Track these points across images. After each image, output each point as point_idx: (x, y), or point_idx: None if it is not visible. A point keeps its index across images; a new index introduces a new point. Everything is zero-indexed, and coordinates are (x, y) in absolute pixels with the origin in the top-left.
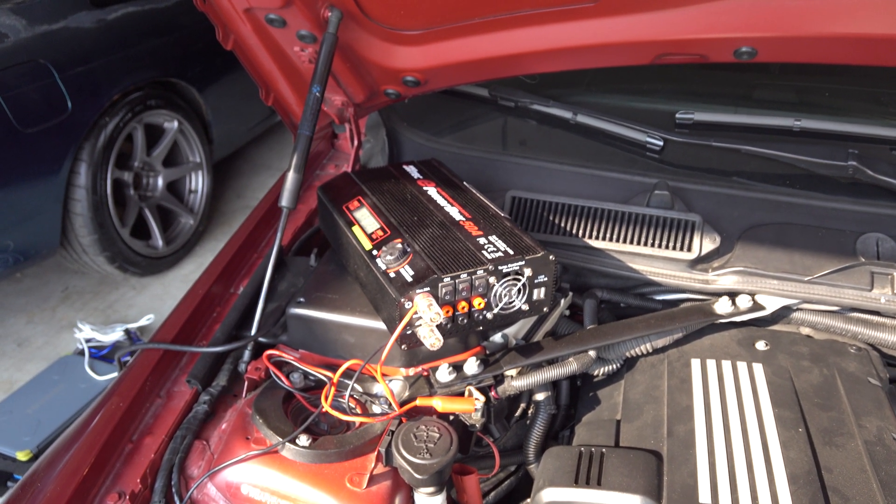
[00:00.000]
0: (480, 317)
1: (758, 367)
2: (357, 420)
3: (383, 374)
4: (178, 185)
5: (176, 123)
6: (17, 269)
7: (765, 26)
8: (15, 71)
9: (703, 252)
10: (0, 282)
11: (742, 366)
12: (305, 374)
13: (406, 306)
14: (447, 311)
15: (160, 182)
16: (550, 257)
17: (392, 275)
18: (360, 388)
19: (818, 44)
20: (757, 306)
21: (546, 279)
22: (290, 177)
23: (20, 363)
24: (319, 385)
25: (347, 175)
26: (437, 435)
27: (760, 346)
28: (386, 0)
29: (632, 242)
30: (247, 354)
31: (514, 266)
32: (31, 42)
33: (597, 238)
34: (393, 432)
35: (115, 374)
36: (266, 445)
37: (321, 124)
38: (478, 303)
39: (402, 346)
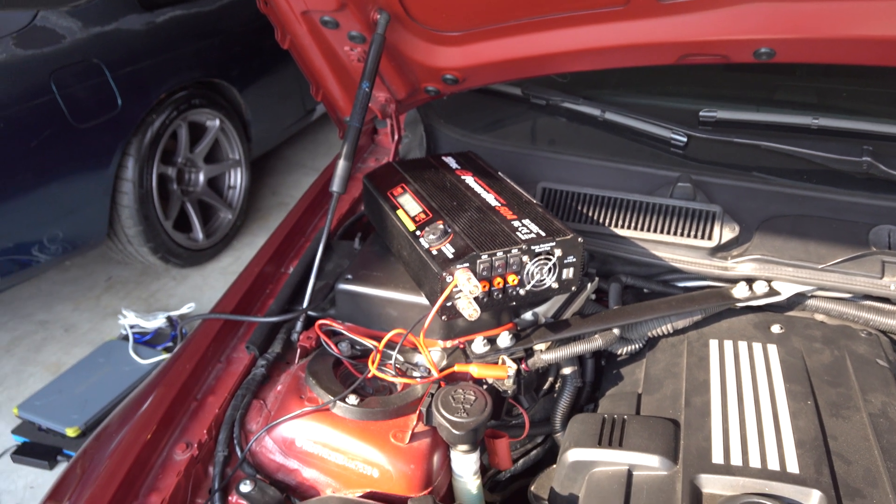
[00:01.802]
0: (514, 292)
1: (772, 348)
2: (400, 382)
3: (431, 344)
4: (217, 181)
5: (218, 122)
6: (66, 257)
7: (782, 28)
8: (70, 70)
9: (723, 241)
10: (48, 270)
11: (757, 346)
12: (352, 344)
13: (447, 280)
14: (484, 286)
15: (201, 178)
16: (579, 240)
17: (434, 252)
18: (401, 358)
19: (832, 45)
20: (772, 292)
21: (574, 260)
22: (341, 164)
23: (67, 347)
24: (365, 354)
25: (391, 165)
26: (473, 397)
27: (776, 329)
28: (429, 4)
29: (655, 231)
30: (299, 325)
31: (546, 247)
32: (85, 43)
33: (622, 227)
34: (433, 395)
35: (158, 359)
36: (318, 404)
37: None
38: (512, 279)
39: (443, 317)
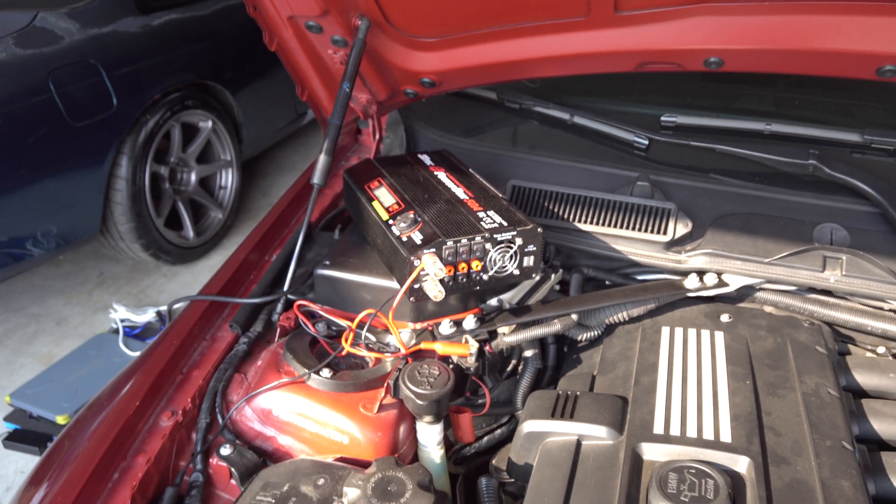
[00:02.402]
0: (477, 277)
1: (719, 335)
2: (371, 357)
3: (401, 326)
4: (209, 181)
5: (210, 123)
6: (59, 252)
7: (728, 40)
8: (68, 70)
9: (677, 235)
10: (41, 265)
11: (705, 333)
12: (328, 325)
13: (415, 263)
14: (449, 270)
15: (193, 177)
16: (538, 230)
17: (405, 238)
18: (373, 338)
19: (773, 56)
20: (721, 283)
21: (535, 249)
22: (322, 159)
23: (59, 339)
24: (340, 334)
25: (369, 161)
26: (437, 372)
27: (724, 318)
28: (408, 11)
29: (615, 226)
30: (279, 307)
31: (508, 235)
32: (82, 43)
33: (585, 222)
34: (400, 370)
35: None
36: (295, 376)
37: (348, 119)
38: (476, 265)
39: (411, 299)
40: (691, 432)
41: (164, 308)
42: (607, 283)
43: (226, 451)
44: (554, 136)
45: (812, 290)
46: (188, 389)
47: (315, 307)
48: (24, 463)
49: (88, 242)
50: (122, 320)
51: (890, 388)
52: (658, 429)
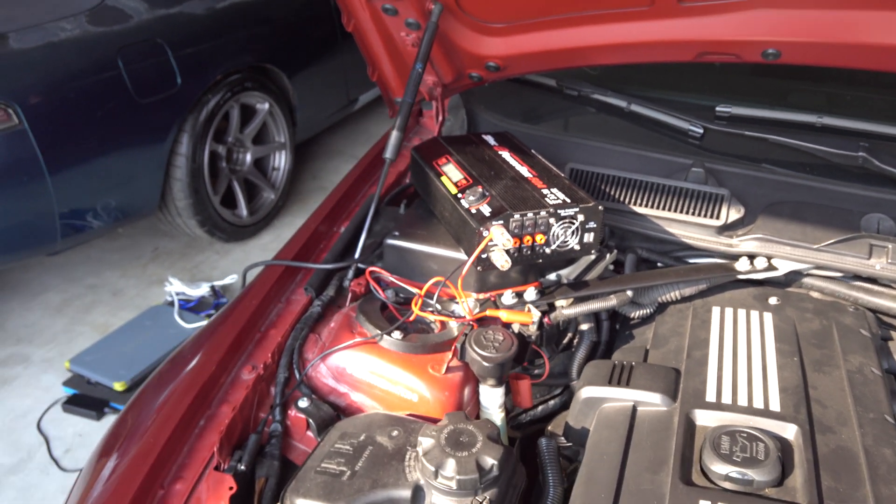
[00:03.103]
0: (540, 250)
1: (767, 316)
2: (437, 323)
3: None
4: (263, 162)
5: (267, 105)
6: (118, 225)
7: (787, 33)
8: (136, 48)
9: (729, 220)
10: (100, 237)
11: (754, 314)
12: (397, 292)
13: (483, 234)
14: (515, 242)
15: (248, 158)
16: (599, 207)
17: (473, 211)
18: (438, 306)
19: (831, 49)
20: (771, 267)
21: (595, 226)
22: (394, 134)
23: (115, 310)
24: (408, 301)
25: (436, 139)
26: (502, 338)
27: (773, 301)
28: None
29: (669, 210)
30: (350, 273)
31: (571, 211)
32: (150, 23)
33: (640, 205)
34: (467, 334)
35: (200, 323)
36: (367, 336)
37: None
38: (539, 238)
39: (478, 268)
40: (742, 401)
41: (218, 283)
42: (659, 264)
43: (303, 403)
44: (611, 123)
45: (857, 277)
46: (267, 346)
47: (386, 274)
48: (83, 426)
49: (147, 217)
50: (178, 293)
51: None
52: (710, 397)
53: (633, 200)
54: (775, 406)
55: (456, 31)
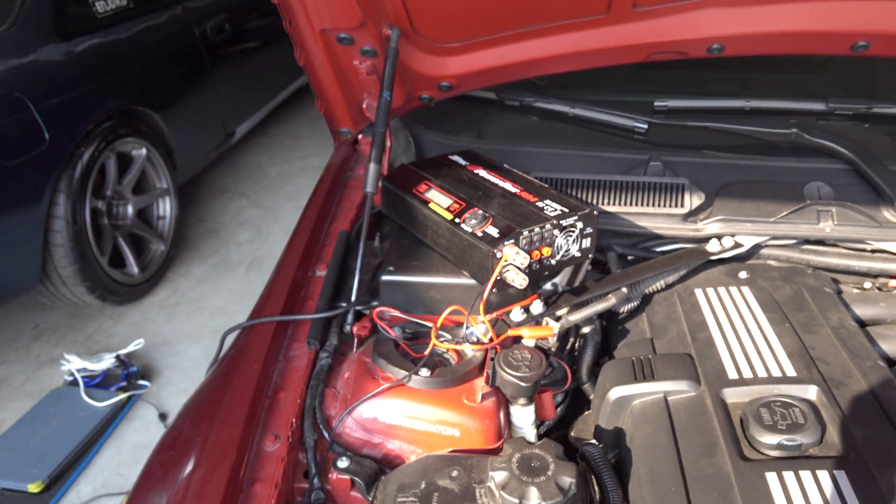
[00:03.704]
0: (548, 263)
1: (745, 289)
2: (453, 349)
3: (461, 322)
4: (146, 212)
5: (144, 150)
6: None
7: (732, 28)
8: None
9: (693, 206)
10: None
11: (734, 289)
12: (403, 329)
13: (497, 255)
14: (532, 257)
15: (130, 210)
16: (594, 213)
17: (480, 234)
18: (448, 336)
19: (769, 39)
20: (737, 245)
21: (592, 230)
22: (372, 167)
23: (3, 403)
24: (416, 336)
25: (406, 167)
26: (529, 356)
27: (742, 275)
28: (433, 19)
29: (636, 205)
30: (350, 318)
31: (571, 220)
32: (4, 76)
33: (609, 204)
34: (493, 359)
35: (115, 399)
36: (394, 380)
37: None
38: (546, 251)
39: (493, 290)
40: (761, 373)
41: (122, 352)
42: (630, 257)
43: (343, 463)
44: (557, 128)
45: (807, 241)
46: (282, 412)
47: (393, 312)
48: None
49: (27, 292)
50: (79, 370)
51: (883, 316)
52: (732, 374)
53: (601, 200)
54: (790, 371)
55: (409, 54)
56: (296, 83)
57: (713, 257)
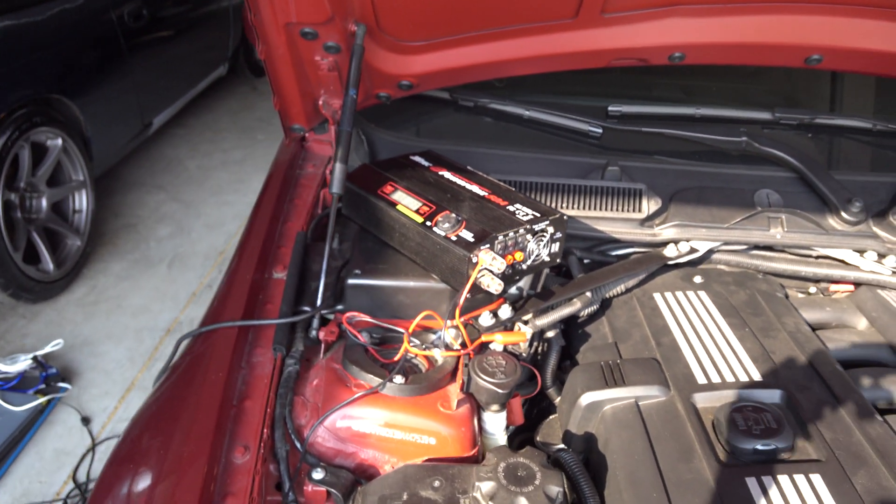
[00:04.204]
0: (519, 268)
1: (702, 294)
2: (423, 356)
3: (435, 325)
4: (61, 205)
5: (60, 141)
6: None
7: (694, 38)
8: None
9: (651, 211)
10: None
11: (691, 294)
12: (371, 334)
13: (473, 260)
14: (507, 262)
15: (44, 203)
16: (564, 217)
17: (454, 238)
18: (417, 341)
19: (729, 50)
20: (693, 250)
21: (561, 235)
22: (338, 167)
23: None
24: (384, 341)
25: (368, 167)
26: (504, 362)
27: (697, 279)
28: (399, 16)
29: (595, 209)
30: (316, 322)
31: (542, 225)
32: None
33: (567, 208)
34: (467, 365)
35: (34, 403)
36: (368, 388)
37: (313, 124)
38: (518, 256)
39: (468, 295)
40: (728, 377)
41: (40, 353)
42: (586, 261)
43: (318, 474)
44: (512, 130)
45: (756, 246)
46: (249, 421)
47: (365, 317)
48: None
49: None
50: None
51: (829, 320)
52: (701, 379)
53: (559, 203)
54: (756, 376)
55: (371, 51)
56: (214, 73)
57: (671, 262)
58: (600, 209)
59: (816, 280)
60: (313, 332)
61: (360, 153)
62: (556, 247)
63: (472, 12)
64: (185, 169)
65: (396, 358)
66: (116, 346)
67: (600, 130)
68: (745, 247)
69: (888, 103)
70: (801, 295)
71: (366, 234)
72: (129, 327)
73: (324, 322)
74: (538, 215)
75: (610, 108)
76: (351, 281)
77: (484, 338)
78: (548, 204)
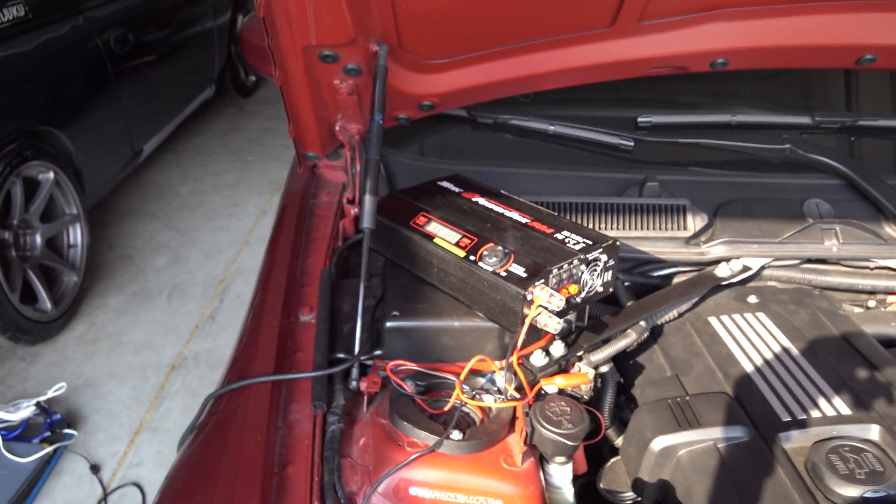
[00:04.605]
0: (574, 301)
1: (760, 315)
2: (497, 405)
3: (480, 370)
4: (55, 241)
5: (52, 174)
6: None
7: (738, 42)
8: None
9: (697, 229)
10: None
11: (749, 316)
12: (415, 381)
13: (528, 297)
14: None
15: (38, 240)
16: (616, 243)
17: (504, 273)
18: (467, 387)
19: (774, 53)
20: (746, 268)
21: (613, 262)
22: (368, 200)
23: None
24: (429, 388)
25: (395, 196)
26: (568, 408)
27: (752, 299)
28: (423, 33)
29: (637, 229)
30: (355, 372)
31: (596, 253)
32: None
33: (608, 228)
34: (528, 413)
35: (41, 453)
36: (422, 447)
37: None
38: (573, 289)
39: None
40: (813, 412)
41: (43, 398)
42: (626, 283)
43: None
44: (536, 147)
45: (808, 260)
46: (294, 491)
47: (411, 365)
48: None
49: None
50: None
51: (894, 335)
52: (783, 416)
53: (598, 225)
54: (843, 409)
55: (392, 71)
56: (202, 96)
57: (724, 282)
58: (642, 228)
59: (874, 292)
60: (353, 383)
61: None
62: (608, 275)
63: (501, 26)
64: (178, 195)
65: (447, 408)
66: (120, 386)
67: (632, 143)
68: (796, 261)
69: None
70: (857, 309)
71: (397, 268)
72: (132, 365)
73: (362, 370)
74: (590, 243)
75: (640, 119)
76: (390, 324)
77: (543, 382)
78: (586, 225)
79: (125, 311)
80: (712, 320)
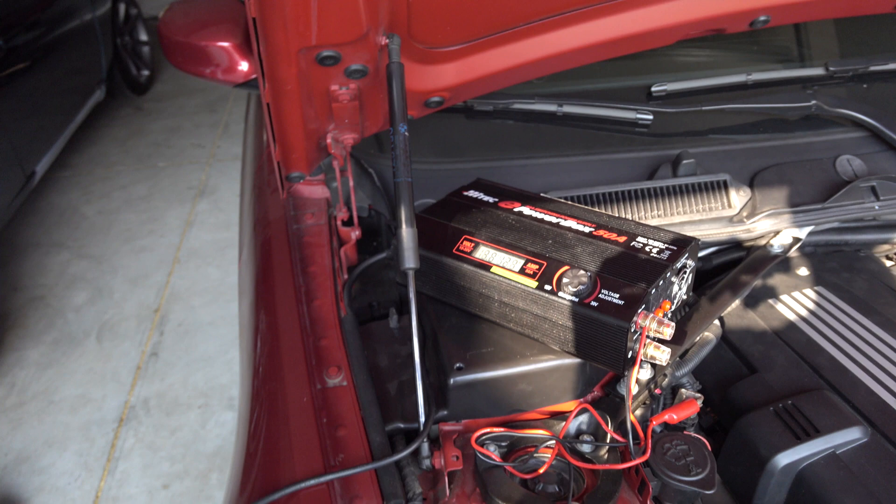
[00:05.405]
0: (665, 318)
1: (820, 289)
2: (602, 458)
3: (564, 408)
4: None
5: None
6: None
7: None
8: None
9: (741, 205)
10: None
11: (809, 292)
12: (497, 444)
13: (632, 330)
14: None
15: None
16: (698, 241)
17: (594, 304)
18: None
19: (814, 4)
20: (796, 240)
21: (693, 263)
22: (407, 233)
23: None
24: (512, 446)
25: (423, 218)
26: (685, 447)
27: (803, 272)
28: (435, 16)
29: (679, 213)
30: (425, 448)
31: (683, 259)
32: None
33: (647, 216)
34: (648, 465)
35: None
36: None
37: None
38: (667, 306)
39: (625, 372)
40: None
41: None
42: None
43: None
44: (543, 132)
45: (860, 219)
46: None
47: (498, 430)
48: None
49: None
50: None
51: None
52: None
53: (636, 213)
54: None
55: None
56: (91, 100)
57: (780, 258)
58: (683, 212)
59: None
60: (426, 462)
61: (365, 189)
62: (691, 279)
63: (520, 1)
64: (84, 217)
65: (542, 470)
66: (62, 454)
67: (650, 117)
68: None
69: None
70: (889, 263)
71: (440, 306)
72: (70, 426)
73: (432, 441)
74: (674, 248)
75: (654, 89)
76: (455, 380)
77: (654, 422)
78: (622, 215)
79: (49, 364)
80: (777, 305)
